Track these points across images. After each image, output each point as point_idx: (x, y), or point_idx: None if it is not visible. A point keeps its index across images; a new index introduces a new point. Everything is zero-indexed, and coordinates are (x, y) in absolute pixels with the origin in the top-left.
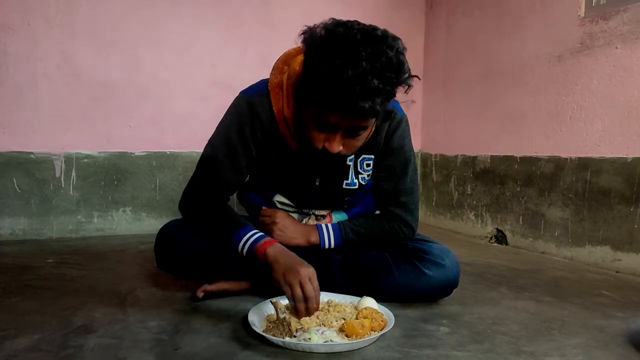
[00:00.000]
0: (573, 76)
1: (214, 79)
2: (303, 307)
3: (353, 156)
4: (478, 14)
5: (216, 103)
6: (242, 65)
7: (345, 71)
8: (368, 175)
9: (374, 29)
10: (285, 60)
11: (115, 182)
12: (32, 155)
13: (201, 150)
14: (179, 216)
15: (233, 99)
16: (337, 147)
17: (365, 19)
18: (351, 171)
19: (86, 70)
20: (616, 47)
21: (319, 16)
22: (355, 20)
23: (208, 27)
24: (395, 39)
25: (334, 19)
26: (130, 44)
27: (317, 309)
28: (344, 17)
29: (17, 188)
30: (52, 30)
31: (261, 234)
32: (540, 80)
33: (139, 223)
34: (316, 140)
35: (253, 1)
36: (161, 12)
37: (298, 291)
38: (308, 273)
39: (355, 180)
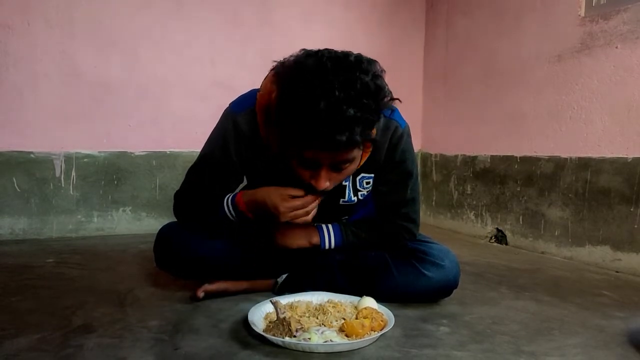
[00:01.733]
0: (573, 76)
1: (214, 79)
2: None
3: (350, 176)
4: (478, 13)
5: (216, 103)
6: (242, 65)
7: (317, 103)
8: (367, 192)
9: (345, 55)
10: (272, 79)
11: (115, 182)
12: (32, 155)
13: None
14: None
15: (233, 99)
16: (323, 183)
17: (365, 18)
18: (349, 190)
19: (86, 70)
20: (616, 47)
21: (318, 16)
22: (327, 49)
23: (208, 26)
24: (371, 62)
25: (304, 50)
26: (130, 44)
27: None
28: (343, 15)
29: (17, 188)
30: (52, 30)
31: (232, 194)
32: (540, 79)
33: (138, 223)
34: (303, 177)
35: (253, 1)
36: (161, 12)
37: (290, 214)
38: (280, 208)
39: (354, 198)
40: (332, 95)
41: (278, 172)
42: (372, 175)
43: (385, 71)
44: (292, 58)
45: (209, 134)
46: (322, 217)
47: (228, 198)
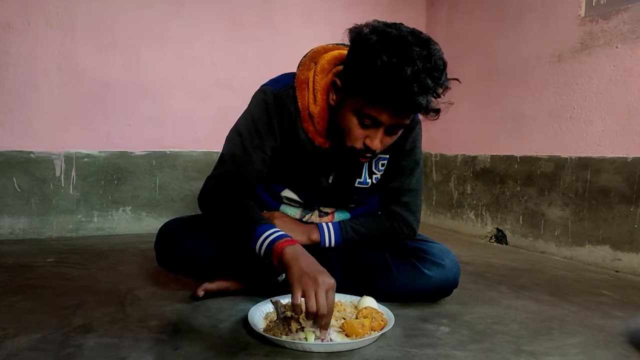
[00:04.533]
0: (573, 76)
1: (215, 79)
2: (312, 318)
3: None
4: (478, 13)
5: (216, 103)
6: (242, 65)
7: (403, 69)
8: (380, 175)
9: (420, 32)
10: (312, 57)
11: (115, 182)
12: (32, 155)
13: (201, 149)
14: (179, 215)
15: (233, 99)
16: (377, 143)
17: (366, 17)
18: (365, 170)
19: (86, 70)
20: (616, 47)
21: (319, 15)
22: (400, 23)
23: (208, 26)
24: (436, 43)
25: (377, 20)
26: (130, 43)
27: (326, 327)
28: (344, 14)
29: (17, 187)
30: (52, 30)
31: (283, 233)
32: (540, 79)
33: (139, 222)
34: (357, 138)
35: (253, 1)
36: (161, 12)
37: (312, 302)
38: (328, 285)
39: (369, 180)
40: (416, 65)
41: (308, 158)
42: (387, 156)
43: (443, 52)
44: (367, 26)
45: (208, 134)
46: (335, 199)
47: (266, 238)
